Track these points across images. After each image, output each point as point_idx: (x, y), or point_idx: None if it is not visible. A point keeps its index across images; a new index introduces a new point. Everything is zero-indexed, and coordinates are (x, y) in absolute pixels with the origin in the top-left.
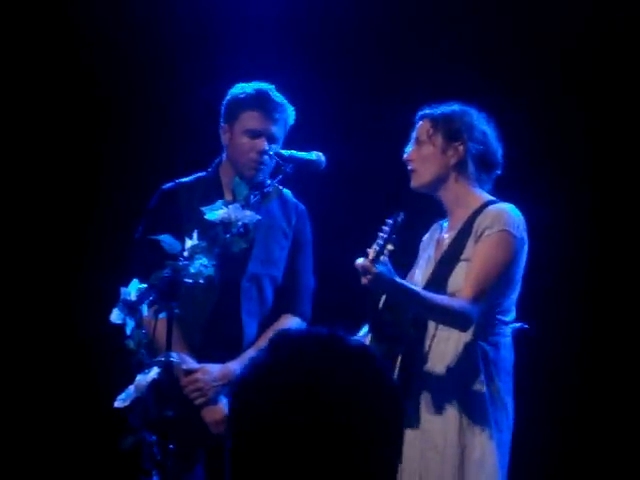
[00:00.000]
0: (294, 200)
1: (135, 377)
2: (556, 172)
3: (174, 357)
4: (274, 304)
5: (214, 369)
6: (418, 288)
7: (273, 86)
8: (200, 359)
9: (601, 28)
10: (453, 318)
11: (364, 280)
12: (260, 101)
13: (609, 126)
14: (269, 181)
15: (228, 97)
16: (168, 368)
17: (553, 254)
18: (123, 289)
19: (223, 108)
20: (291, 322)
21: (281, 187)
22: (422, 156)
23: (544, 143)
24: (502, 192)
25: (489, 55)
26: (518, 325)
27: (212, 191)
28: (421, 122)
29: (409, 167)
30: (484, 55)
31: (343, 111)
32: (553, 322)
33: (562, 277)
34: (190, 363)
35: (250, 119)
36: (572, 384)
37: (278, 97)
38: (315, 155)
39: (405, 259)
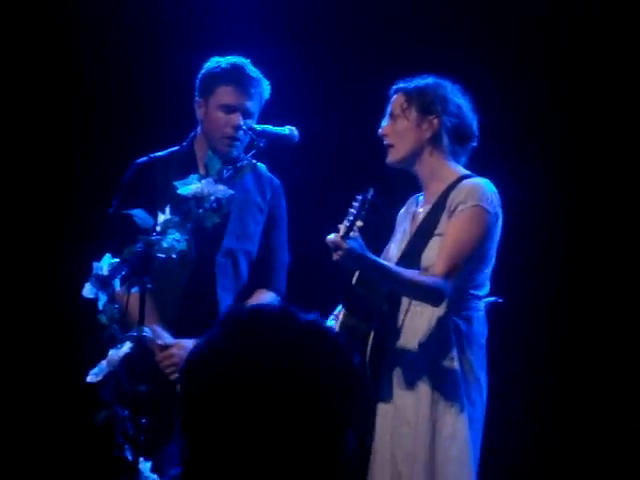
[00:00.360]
0: (269, 174)
1: (108, 352)
2: (534, 146)
3: (147, 331)
4: (249, 279)
5: (189, 344)
6: (389, 264)
7: (249, 60)
8: (175, 334)
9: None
10: (425, 293)
11: (335, 256)
12: (235, 76)
13: (589, 105)
14: (242, 156)
15: (203, 71)
16: (141, 342)
17: (528, 229)
18: (95, 264)
19: (198, 82)
20: (266, 297)
21: (256, 162)
22: (397, 131)
23: (523, 119)
24: (478, 165)
25: (466, 28)
26: (492, 299)
27: (186, 165)
28: (395, 96)
29: (385, 142)
30: (461, 28)
31: (318, 84)
32: (527, 296)
33: (537, 252)
34: (165, 338)
35: (225, 94)
36: (546, 358)
37: (253, 72)
38: (288, 129)
39: (382, 233)
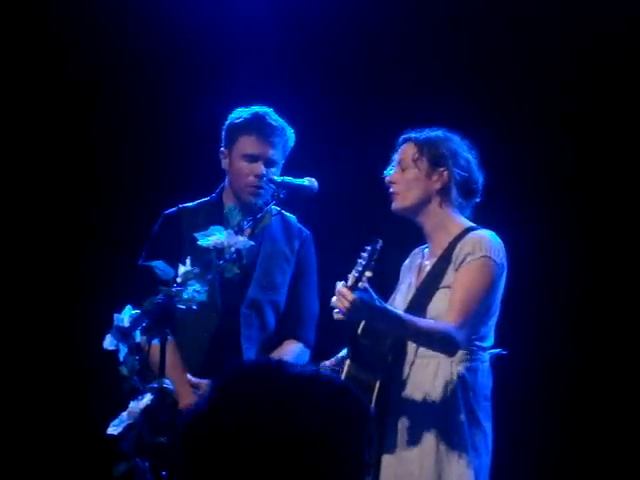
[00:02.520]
0: (298, 225)
1: (128, 403)
2: (535, 199)
3: (167, 383)
4: (278, 330)
5: None
6: (403, 313)
7: (271, 109)
8: None
9: (580, 53)
10: (440, 342)
11: (342, 306)
12: (256, 125)
13: (584, 156)
14: (264, 207)
15: (227, 122)
16: (161, 394)
17: (531, 280)
18: (116, 315)
19: (223, 133)
20: (294, 348)
21: (281, 210)
22: (406, 179)
23: (523, 171)
24: (482, 218)
25: (471, 84)
26: (496, 351)
27: (214, 216)
28: (405, 145)
29: (391, 189)
30: (466, 84)
31: (337, 135)
32: (531, 348)
33: (541, 303)
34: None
35: (247, 143)
36: (551, 408)
37: (276, 120)
38: (307, 181)
39: (385, 285)
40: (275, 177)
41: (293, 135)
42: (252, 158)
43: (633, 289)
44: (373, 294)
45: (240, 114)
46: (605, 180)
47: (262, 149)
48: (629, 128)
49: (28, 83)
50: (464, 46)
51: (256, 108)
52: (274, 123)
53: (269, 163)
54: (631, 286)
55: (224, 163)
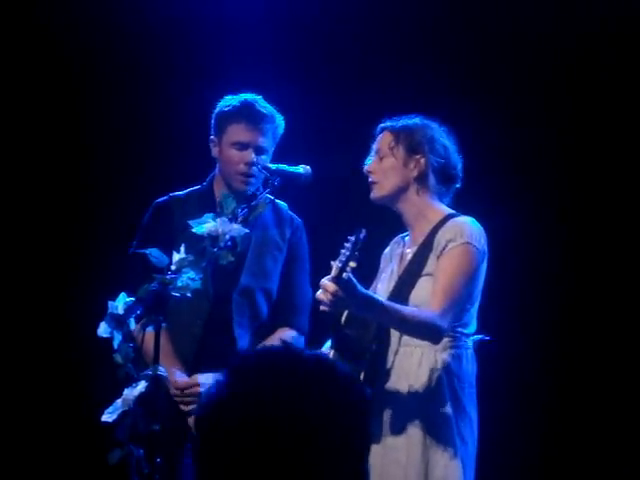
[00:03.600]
0: (290, 213)
1: (122, 391)
2: (518, 185)
3: (161, 371)
4: (271, 318)
5: (205, 379)
6: (387, 301)
7: (260, 97)
8: (193, 371)
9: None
10: (424, 330)
11: (327, 298)
12: (246, 113)
13: (568, 141)
14: (258, 194)
15: (216, 110)
16: (156, 382)
17: (512, 266)
18: (110, 303)
19: (212, 121)
20: (288, 335)
21: (274, 199)
22: (383, 168)
23: (505, 157)
24: (462, 205)
25: (457, 70)
26: (479, 337)
27: (205, 204)
28: (382, 134)
29: (370, 179)
30: (454, 71)
31: (330, 122)
32: (515, 335)
33: (524, 289)
34: (180, 377)
35: (237, 131)
36: (536, 393)
37: (265, 108)
38: (302, 168)
39: (366, 273)
40: (270, 164)
41: (283, 122)
42: (242, 146)
43: (618, 275)
44: (357, 283)
45: (229, 102)
46: (590, 165)
47: (252, 137)
48: (615, 113)
49: (17, 70)
50: (454, 36)
51: (245, 95)
52: (263, 110)
53: (259, 150)
54: (616, 272)
55: (214, 151)
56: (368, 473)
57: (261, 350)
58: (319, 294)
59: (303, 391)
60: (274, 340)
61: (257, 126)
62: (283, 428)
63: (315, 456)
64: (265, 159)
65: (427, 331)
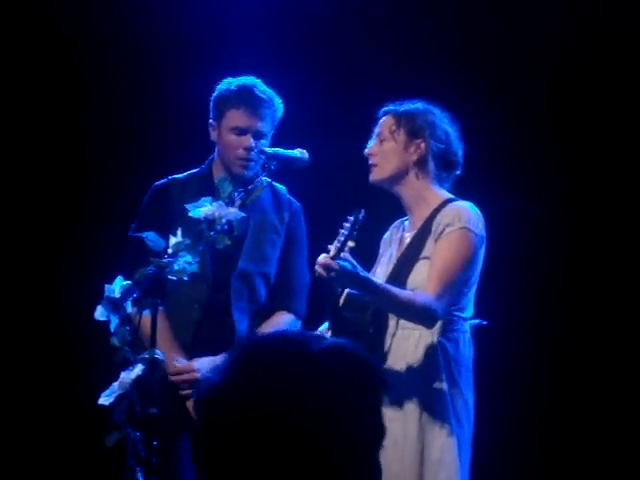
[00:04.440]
0: (288, 197)
1: (119, 374)
2: (518, 170)
3: (158, 354)
4: (269, 302)
5: (202, 363)
6: (383, 283)
7: (259, 80)
8: (191, 355)
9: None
10: (418, 313)
11: (326, 276)
12: (244, 98)
13: (569, 129)
14: (255, 178)
15: (215, 94)
16: (152, 365)
17: (511, 251)
18: (107, 286)
19: (211, 105)
20: (285, 319)
21: (271, 182)
22: (383, 151)
23: (504, 142)
24: (462, 190)
25: (457, 54)
26: (476, 321)
27: (204, 187)
28: (384, 118)
29: (370, 161)
30: (456, 58)
31: (330, 107)
32: (512, 319)
33: (520, 273)
34: (177, 361)
35: (235, 117)
36: (533, 378)
37: (263, 92)
38: (299, 152)
39: (366, 258)
40: (266, 149)
41: (281, 105)
42: (241, 131)
43: (618, 261)
44: (355, 263)
45: (227, 86)
46: (591, 152)
47: (250, 122)
48: (620, 100)
49: (13, 59)
50: (455, 22)
51: (243, 79)
52: (262, 95)
53: (258, 135)
54: (617, 258)
55: (213, 135)
56: (380, 465)
57: (266, 334)
58: (317, 267)
59: (312, 374)
60: (271, 323)
61: (256, 111)
62: (289, 413)
63: (322, 443)
64: (264, 143)
65: (421, 315)
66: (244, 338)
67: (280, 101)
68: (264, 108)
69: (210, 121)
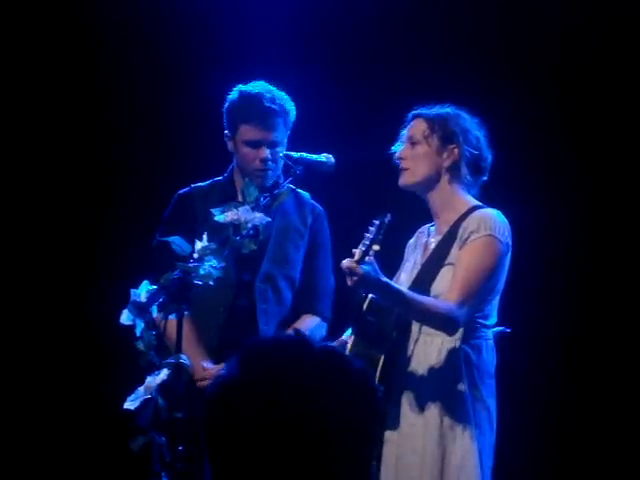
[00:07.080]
0: (311, 201)
1: (145, 378)
2: (541, 178)
3: (184, 359)
4: (294, 305)
5: None
6: (405, 289)
7: (267, 86)
8: (216, 359)
9: (582, 31)
10: (440, 320)
11: (350, 281)
12: (254, 111)
13: (590, 134)
14: (280, 183)
15: (226, 104)
16: (178, 369)
17: (535, 259)
18: (133, 291)
19: (224, 116)
20: (310, 322)
21: (298, 189)
22: (416, 155)
23: (528, 150)
24: (489, 197)
25: (478, 60)
26: (500, 329)
27: (227, 194)
28: (415, 121)
29: (401, 165)
30: (476, 59)
31: (354, 112)
32: (535, 325)
33: (545, 282)
34: (203, 366)
35: (247, 131)
36: (555, 386)
37: (272, 100)
38: (325, 157)
39: (391, 262)
40: (292, 153)
41: (293, 107)
42: (255, 144)
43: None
44: (378, 269)
45: (236, 96)
46: (613, 159)
47: (262, 134)
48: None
49: (32, 63)
50: (477, 22)
51: (250, 87)
52: (271, 105)
53: (273, 145)
54: (636, 265)
55: (229, 145)
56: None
57: (273, 338)
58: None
59: (312, 382)
60: (297, 326)
61: (267, 122)
62: (289, 418)
63: (318, 448)
64: (281, 149)
65: (443, 322)
66: (250, 341)
67: (291, 103)
68: (275, 117)
69: (225, 132)
